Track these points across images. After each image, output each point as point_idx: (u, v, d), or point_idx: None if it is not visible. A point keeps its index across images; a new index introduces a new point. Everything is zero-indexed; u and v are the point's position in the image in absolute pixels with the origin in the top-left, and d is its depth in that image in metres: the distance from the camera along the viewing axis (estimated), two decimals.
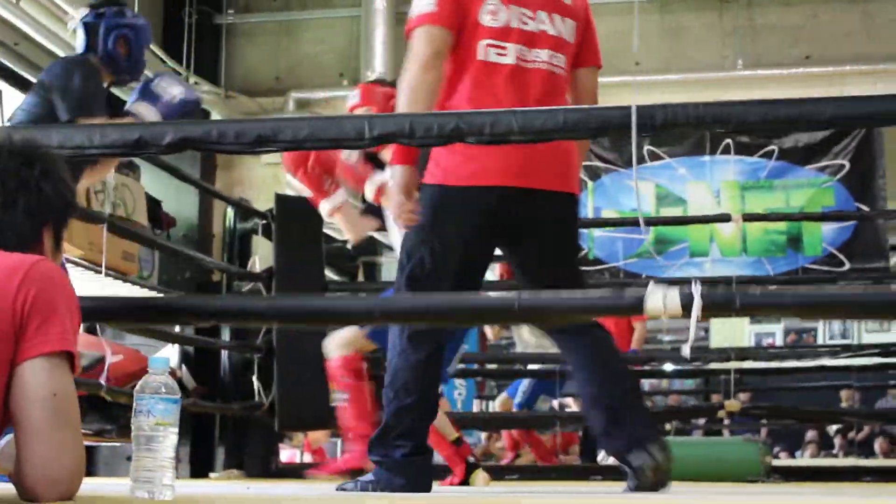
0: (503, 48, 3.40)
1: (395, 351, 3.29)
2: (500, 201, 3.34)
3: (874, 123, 2.47)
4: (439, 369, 3.41)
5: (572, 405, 9.92)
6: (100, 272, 5.92)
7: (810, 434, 13.26)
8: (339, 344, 4.81)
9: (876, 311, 2.51)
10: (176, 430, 2.19)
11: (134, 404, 2.24)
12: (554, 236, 3.45)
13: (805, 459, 12.70)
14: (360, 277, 9.13)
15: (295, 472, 7.33)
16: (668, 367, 8.20)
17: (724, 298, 2.37)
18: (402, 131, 2.41)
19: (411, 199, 3.34)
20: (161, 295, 6.21)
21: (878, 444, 12.95)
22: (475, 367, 8.73)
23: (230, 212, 7.61)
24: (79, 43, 4.67)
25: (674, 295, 2.35)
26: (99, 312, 2.66)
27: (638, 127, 2.40)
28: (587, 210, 8.72)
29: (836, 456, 12.95)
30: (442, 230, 3.34)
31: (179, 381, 6.87)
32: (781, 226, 8.59)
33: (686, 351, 2.47)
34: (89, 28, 4.59)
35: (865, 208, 8.29)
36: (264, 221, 6.90)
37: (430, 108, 3.29)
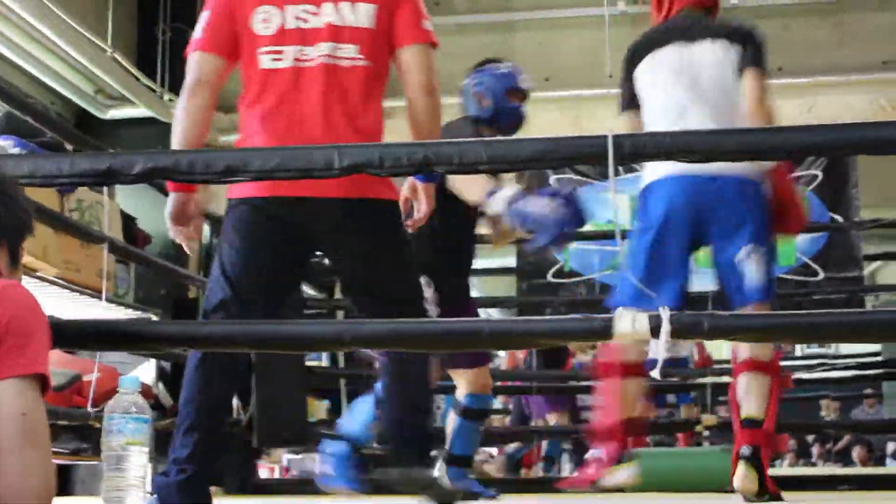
0: (279, 52, 3.38)
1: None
2: (273, 210, 3.35)
3: (855, 151, 2.50)
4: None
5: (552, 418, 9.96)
6: (75, 291, 5.93)
7: (789, 443, 13.32)
8: None
9: (846, 335, 2.53)
10: (146, 449, 2.21)
11: (104, 424, 2.26)
12: (348, 244, 3.41)
13: (783, 468, 12.76)
14: (338, 293, 9.12)
15: (272, 488, 7.33)
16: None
17: (692, 321, 2.39)
18: (371, 162, 2.43)
19: (183, 226, 3.48)
20: (134, 317, 6.21)
21: (855, 453, 13.02)
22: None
23: (206, 228, 7.58)
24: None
25: (642, 319, 2.37)
26: (67, 338, 2.65)
27: (605, 156, 2.42)
28: None
29: (814, 465, 13.02)
30: (232, 245, 3.39)
31: (157, 399, 6.85)
32: None
33: (656, 373, 2.49)
34: (465, 92, 4.89)
35: (839, 218, 8.35)
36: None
37: (193, 134, 3.37)
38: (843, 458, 12.95)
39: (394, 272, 3.46)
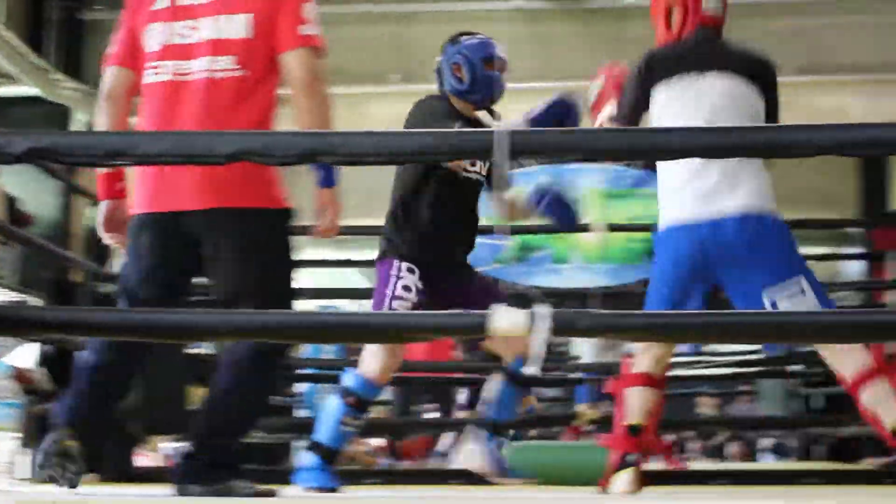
0: (159, 67, 3.52)
1: None
2: (150, 226, 3.51)
3: (738, 153, 2.54)
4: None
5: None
6: None
7: (666, 439, 13.49)
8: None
9: (720, 334, 2.57)
10: (12, 434, 2.17)
11: None
12: (213, 253, 3.48)
13: (661, 464, 12.92)
14: None
15: (152, 476, 7.24)
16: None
17: (570, 319, 2.41)
18: (255, 150, 2.41)
19: (114, 231, 3.66)
20: (16, 299, 6.10)
21: (732, 449, 13.25)
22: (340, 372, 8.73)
23: (92, 210, 7.47)
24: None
25: (519, 316, 2.39)
26: None
27: (491, 151, 2.43)
28: None
29: (690, 460, 13.21)
30: (128, 257, 3.59)
31: (34, 383, 6.73)
32: (641, 235, 8.76)
33: (532, 370, 2.51)
34: (438, 71, 4.77)
35: None
36: None
37: None
38: (720, 453, 13.17)
39: (253, 281, 3.48)
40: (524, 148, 2.47)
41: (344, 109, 8.36)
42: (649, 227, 8.27)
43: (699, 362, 8.61)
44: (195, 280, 3.62)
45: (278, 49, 3.48)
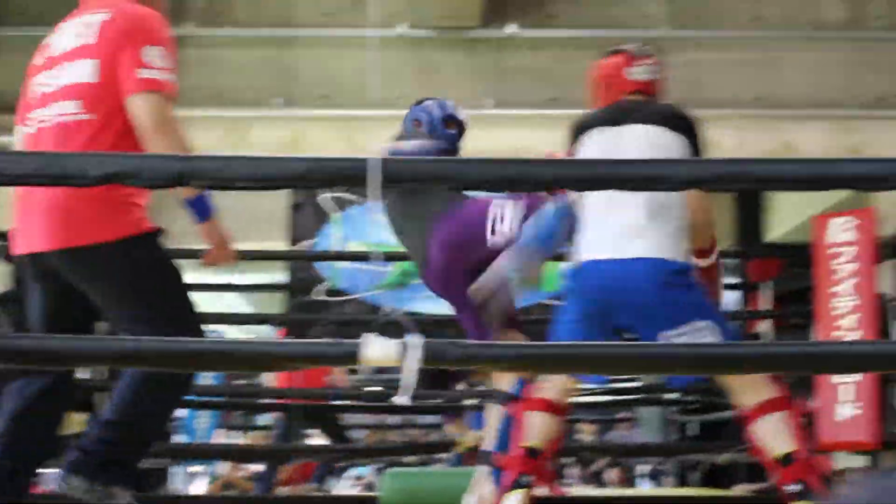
0: (28, 120, 3.59)
1: None
2: (22, 269, 3.62)
3: (595, 186, 2.56)
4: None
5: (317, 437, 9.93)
6: None
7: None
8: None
9: (596, 366, 2.59)
10: None
11: None
12: (82, 287, 3.50)
13: (542, 490, 12.98)
14: None
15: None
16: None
17: (440, 349, 2.41)
18: (126, 172, 2.37)
19: None
20: None
21: (610, 475, 13.37)
22: (223, 398, 8.69)
23: None
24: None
25: (390, 345, 2.38)
26: None
27: (364, 179, 2.42)
28: (330, 241, 8.75)
29: (570, 486, 13.30)
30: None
31: None
32: None
33: (402, 400, 2.49)
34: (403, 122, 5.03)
35: None
36: (4, 242, 6.64)
37: None
38: (599, 480, 13.27)
39: (120, 313, 3.50)
40: (397, 177, 2.47)
41: (224, 133, 8.31)
42: None
43: (577, 390, 8.67)
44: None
45: (122, 95, 3.48)
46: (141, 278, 3.50)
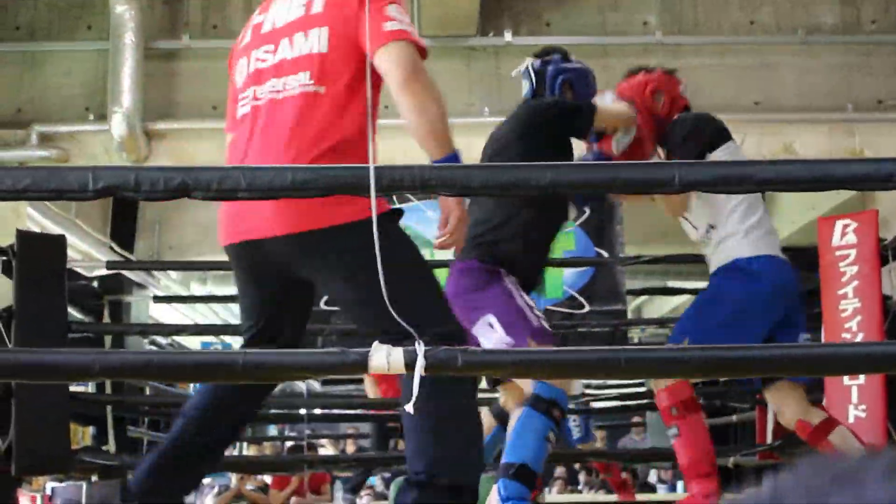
0: (244, 98, 3.41)
1: None
2: (237, 259, 3.42)
3: (594, 189, 2.55)
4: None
5: (327, 446, 9.93)
6: None
7: (558, 470, 13.58)
8: None
9: (594, 370, 2.59)
10: None
11: None
12: (312, 276, 3.32)
13: (552, 495, 13.01)
14: (106, 317, 8.94)
15: None
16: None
17: (446, 357, 2.41)
18: (126, 185, 2.37)
19: None
20: None
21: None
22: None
23: None
24: (525, 90, 4.63)
25: (398, 354, 2.38)
26: None
27: (366, 187, 2.43)
28: None
29: (580, 492, 13.30)
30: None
31: None
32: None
33: (409, 408, 2.49)
34: (537, 74, 4.58)
35: (604, 254, 8.60)
36: (4, 258, 6.66)
37: None
38: (608, 484, 13.29)
39: (357, 299, 3.23)
40: (398, 184, 2.48)
41: (221, 145, 8.38)
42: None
43: (585, 396, 8.70)
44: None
45: (369, 54, 3.26)
46: (380, 261, 3.25)
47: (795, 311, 4.47)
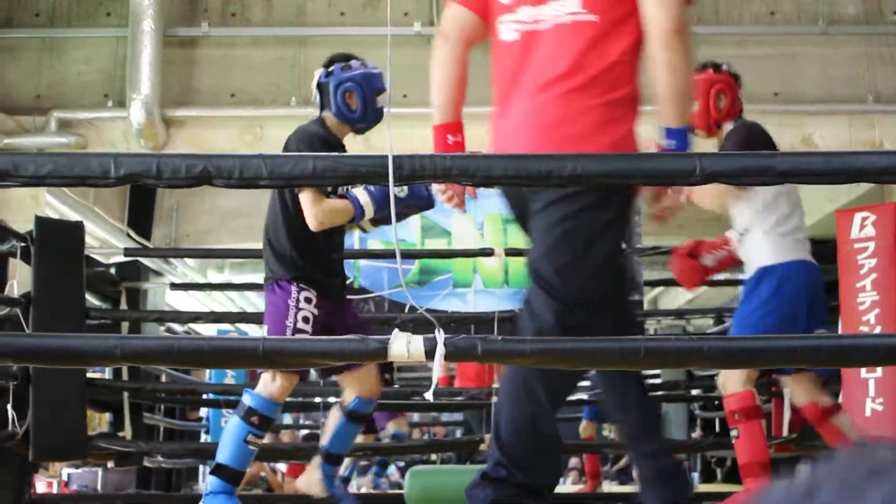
0: (513, 22, 3.28)
1: None
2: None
3: (616, 180, 2.55)
4: None
5: None
6: None
7: (573, 461, 13.59)
8: (737, 380, 4.75)
9: (614, 359, 2.58)
10: None
11: None
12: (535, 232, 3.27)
13: (567, 486, 13.02)
14: (123, 304, 8.98)
15: (50, 503, 7.12)
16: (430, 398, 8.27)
17: (466, 345, 2.41)
18: (148, 172, 2.38)
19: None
20: None
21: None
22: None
23: None
24: (316, 105, 4.72)
25: (417, 341, 2.39)
26: None
27: (385, 175, 2.43)
28: (352, 240, 8.77)
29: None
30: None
31: None
32: None
33: (429, 396, 2.50)
34: (321, 88, 4.67)
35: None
36: (23, 244, 6.68)
37: (442, 88, 3.32)
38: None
39: (554, 266, 3.20)
40: (419, 172, 2.48)
41: (239, 133, 8.31)
42: None
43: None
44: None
45: None
46: (580, 236, 3.12)
47: (820, 310, 4.73)
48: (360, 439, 9.50)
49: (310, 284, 4.53)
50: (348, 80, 4.67)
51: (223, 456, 4.47)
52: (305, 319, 4.47)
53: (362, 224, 4.64)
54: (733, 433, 4.74)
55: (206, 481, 4.53)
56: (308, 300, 4.51)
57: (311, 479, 4.91)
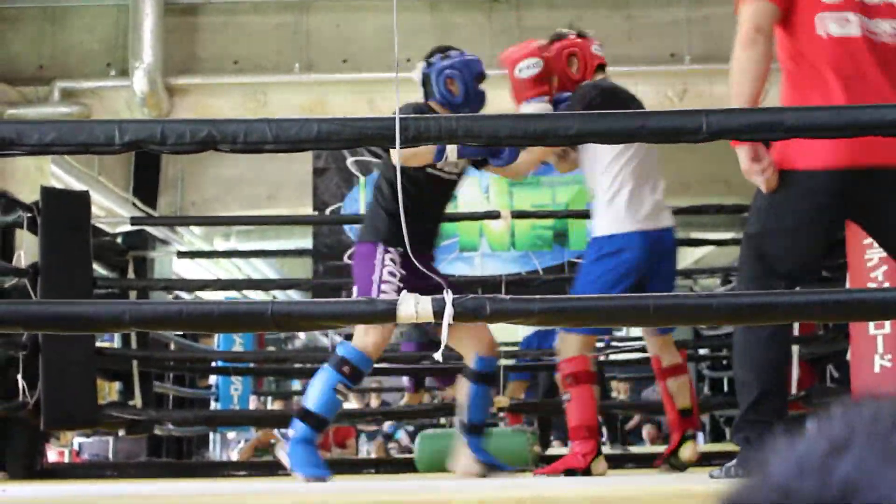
0: (842, 20, 3.37)
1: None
2: (831, 183, 3.35)
3: (619, 139, 2.54)
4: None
5: (351, 400, 9.93)
6: None
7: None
8: (572, 345, 4.82)
9: (622, 318, 2.59)
10: None
11: None
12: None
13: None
14: (130, 273, 8.99)
15: (61, 472, 7.15)
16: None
17: (474, 305, 2.42)
18: (153, 138, 2.37)
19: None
20: None
21: (646, 432, 13.41)
22: (251, 365, 8.79)
23: None
24: (420, 95, 4.88)
25: (426, 303, 2.39)
26: None
27: (392, 138, 2.43)
28: (359, 205, 8.77)
29: (604, 444, 13.35)
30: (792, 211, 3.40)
31: None
32: (548, 221, 8.84)
33: (438, 356, 2.51)
34: (425, 79, 4.81)
35: None
36: (29, 214, 6.68)
37: (755, 85, 3.37)
38: (634, 437, 13.32)
39: None
40: (425, 133, 2.47)
41: (243, 99, 8.27)
42: (555, 214, 8.43)
43: (609, 348, 8.72)
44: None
45: None
46: None
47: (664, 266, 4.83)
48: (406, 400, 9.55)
49: (396, 246, 4.59)
50: (448, 67, 4.79)
51: (311, 402, 4.54)
52: (391, 274, 4.57)
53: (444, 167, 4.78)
54: (565, 397, 4.86)
55: (291, 426, 4.57)
56: (393, 261, 4.60)
57: (466, 464, 4.87)
